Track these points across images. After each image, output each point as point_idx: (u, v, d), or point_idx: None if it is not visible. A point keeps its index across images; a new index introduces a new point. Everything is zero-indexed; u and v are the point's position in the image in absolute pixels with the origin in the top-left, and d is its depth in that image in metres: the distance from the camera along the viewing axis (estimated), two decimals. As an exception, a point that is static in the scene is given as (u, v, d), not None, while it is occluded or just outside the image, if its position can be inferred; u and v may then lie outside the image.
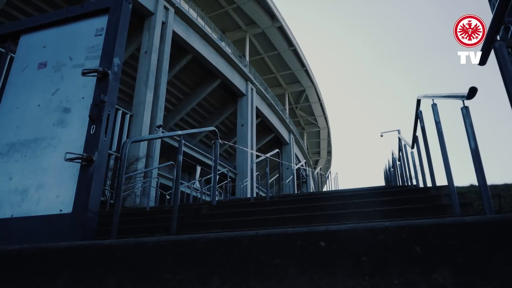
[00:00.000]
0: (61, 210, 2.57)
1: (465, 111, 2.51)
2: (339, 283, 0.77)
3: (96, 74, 2.80)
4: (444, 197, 3.79)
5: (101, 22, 3.10)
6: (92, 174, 2.58)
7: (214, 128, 4.88)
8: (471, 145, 2.43)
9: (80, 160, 2.59)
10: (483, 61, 1.95)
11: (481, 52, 1.93)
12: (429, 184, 4.66)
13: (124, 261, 0.95)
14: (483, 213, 3.20)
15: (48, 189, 2.67)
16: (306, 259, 0.81)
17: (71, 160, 2.56)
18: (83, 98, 2.84)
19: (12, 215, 2.67)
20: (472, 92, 2.30)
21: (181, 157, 3.93)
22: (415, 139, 5.17)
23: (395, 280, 0.75)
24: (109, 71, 2.83)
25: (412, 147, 5.58)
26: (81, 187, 2.56)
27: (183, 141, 3.98)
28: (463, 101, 2.51)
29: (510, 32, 2.16)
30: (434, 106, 3.46)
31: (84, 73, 2.77)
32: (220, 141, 5.01)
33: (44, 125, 2.86)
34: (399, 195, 4.47)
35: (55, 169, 2.69)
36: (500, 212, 3.24)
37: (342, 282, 0.77)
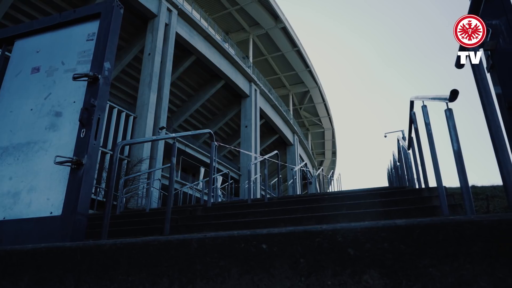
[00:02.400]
0: (51, 213, 2.62)
1: (449, 113, 2.53)
2: (277, 284, 0.80)
3: (86, 78, 2.84)
4: (435, 198, 3.80)
5: (92, 27, 3.15)
6: (82, 177, 2.62)
7: (210, 131, 4.93)
8: (454, 147, 2.45)
9: (70, 164, 2.64)
10: (459, 64, 1.97)
11: (456, 56, 1.95)
12: (429, 185, 4.67)
13: (83, 263, 0.99)
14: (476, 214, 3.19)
15: (39, 192, 2.72)
16: (248, 261, 0.84)
17: (61, 163, 2.61)
18: (74, 102, 2.89)
19: (4, 218, 2.72)
20: (454, 94, 2.32)
21: (174, 160, 3.98)
22: (410, 141, 5.18)
23: (328, 281, 0.78)
24: (100, 76, 2.87)
25: (408, 149, 5.59)
26: (71, 190, 2.61)
27: (176, 144, 4.03)
28: (446, 103, 2.53)
29: (489, 35, 2.17)
30: (424, 107, 3.48)
31: (74, 78, 2.82)
32: (215, 143, 5.05)
33: (36, 129, 2.91)
34: (392, 196, 4.48)
35: (46, 172, 2.74)
36: (487, 213, 3.25)
37: (279, 283, 0.81)
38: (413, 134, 4.87)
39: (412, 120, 4.38)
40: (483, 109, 1.69)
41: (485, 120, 1.65)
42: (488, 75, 2.05)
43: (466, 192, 2.36)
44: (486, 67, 2.09)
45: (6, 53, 3.46)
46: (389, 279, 0.76)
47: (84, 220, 2.57)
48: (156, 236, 0.99)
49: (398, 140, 7.61)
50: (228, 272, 0.84)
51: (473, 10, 1.71)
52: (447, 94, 2.45)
